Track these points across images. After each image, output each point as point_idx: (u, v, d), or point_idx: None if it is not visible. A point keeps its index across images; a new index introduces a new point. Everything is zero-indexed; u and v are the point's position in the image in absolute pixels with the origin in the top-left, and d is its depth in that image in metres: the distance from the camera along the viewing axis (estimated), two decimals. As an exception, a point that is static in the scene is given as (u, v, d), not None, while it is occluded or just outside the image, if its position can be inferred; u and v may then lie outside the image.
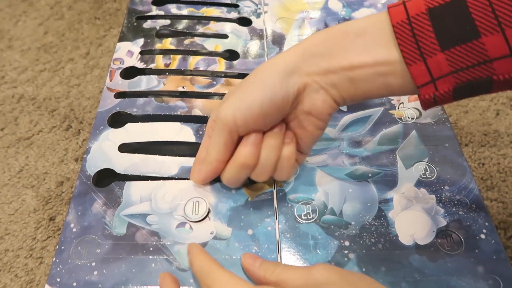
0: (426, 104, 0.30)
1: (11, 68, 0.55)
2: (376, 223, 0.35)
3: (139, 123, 0.43)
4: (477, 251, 0.33)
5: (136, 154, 0.40)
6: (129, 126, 0.43)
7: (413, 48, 0.28)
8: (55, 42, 0.59)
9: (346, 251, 0.34)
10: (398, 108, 0.43)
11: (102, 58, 0.57)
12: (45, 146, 0.47)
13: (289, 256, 0.34)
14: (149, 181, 0.38)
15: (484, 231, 0.34)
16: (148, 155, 0.40)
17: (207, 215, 0.36)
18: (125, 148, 0.41)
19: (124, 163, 0.39)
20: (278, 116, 0.33)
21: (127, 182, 0.38)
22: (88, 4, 0.64)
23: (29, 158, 0.46)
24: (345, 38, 0.31)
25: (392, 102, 0.44)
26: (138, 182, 0.38)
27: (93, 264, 0.33)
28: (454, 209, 0.36)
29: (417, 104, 0.44)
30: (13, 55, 0.57)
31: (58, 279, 0.32)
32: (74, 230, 0.35)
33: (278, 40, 0.52)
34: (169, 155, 0.40)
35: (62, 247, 0.34)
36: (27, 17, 0.63)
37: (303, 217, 0.36)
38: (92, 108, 0.51)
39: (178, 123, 0.43)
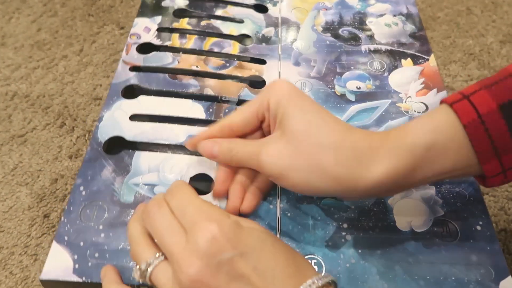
0: (490, 186, 0.30)
1: (4, 65, 0.56)
2: (375, 209, 0.36)
3: (152, 97, 0.44)
4: (471, 241, 0.34)
5: (145, 122, 0.41)
6: (142, 98, 0.44)
7: (489, 148, 0.28)
8: (48, 39, 0.59)
9: (343, 233, 0.35)
10: (406, 102, 0.44)
11: (96, 55, 0.57)
12: (39, 143, 0.48)
13: (288, 233, 0.35)
14: (158, 152, 0.39)
15: (480, 223, 0.35)
16: (157, 123, 0.41)
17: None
18: (136, 119, 0.42)
19: (134, 130, 0.41)
20: None
21: (137, 152, 0.39)
22: (81, 1, 0.65)
23: (23, 156, 0.46)
24: (414, 158, 0.29)
25: (400, 95, 0.45)
26: (147, 152, 0.39)
27: (101, 227, 0.34)
28: (452, 201, 0.37)
29: (424, 98, 0.44)
30: (6, 52, 0.58)
31: (66, 238, 0.34)
32: (83, 193, 0.36)
33: (293, 29, 0.53)
34: (178, 129, 0.41)
35: (71, 208, 0.35)
36: (20, 14, 0.63)
37: (304, 198, 0.37)
38: (86, 105, 0.51)
39: (190, 100, 0.44)
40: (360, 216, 0.36)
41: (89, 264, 0.32)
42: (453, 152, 0.28)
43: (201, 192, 0.37)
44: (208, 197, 0.36)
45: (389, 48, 0.50)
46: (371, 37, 0.51)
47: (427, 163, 0.29)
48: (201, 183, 0.38)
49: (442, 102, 0.30)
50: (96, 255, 0.33)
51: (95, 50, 0.58)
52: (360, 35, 0.52)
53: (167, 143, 0.40)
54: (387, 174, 0.29)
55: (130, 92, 0.45)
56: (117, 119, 0.42)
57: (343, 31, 0.52)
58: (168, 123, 0.42)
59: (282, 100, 0.32)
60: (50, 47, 0.58)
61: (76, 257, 0.33)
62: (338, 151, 0.30)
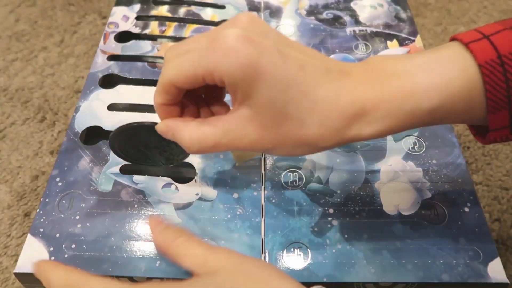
0: (490, 142, 0.27)
1: (-19, 58, 0.54)
2: (361, 193, 0.35)
3: (131, 86, 0.43)
4: (459, 223, 0.33)
5: (124, 112, 0.40)
6: (121, 87, 0.42)
7: (502, 96, 0.24)
8: (27, 30, 0.57)
9: (329, 218, 0.34)
10: (391, 84, 0.43)
11: (77, 46, 0.55)
12: (18, 139, 0.45)
13: (273, 220, 0.34)
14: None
15: (468, 204, 0.34)
16: (137, 113, 0.40)
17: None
18: (114, 108, 0.41)
19: (112, 120, 0.39)
20: None
21: (115, 142, 0.38)
22: (61, -10, 0.62)
23: (1, 152, 0.44)
24: (413, 121, 0.26)
25: (386, 77, 0.44)
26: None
27: (77, 217, 0.33)
28: (440, 183, 0.36)
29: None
30: (-17, 44, 0.55)
31: (41, 230, 0.32)
32: (59, 184, 0.35)
33: (276, 13, 0.51)
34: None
35: (47, 200, 0.34)
36: (-4, 4, 0.61)
37: (289, 184, 0.36)
38: (67, 99, 0.49)
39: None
40: (347, 201, 0.35)
41: (66, 256, 0.31)
42: (459, 112, 0.25)
43: (186, 179, 0.36)
44: (192, 184, 0.35)
45: (374, 30, 0.49)
46: (356, 20, 0.50)
47: (426, 123, 0.26)
48: (185, 169, 0.37)
49: (454, 39, 0.26)
50: (73, 246, 0.32)
51: (76, 40, 0.56)
52: (345, 18, 0.50)
53: None
54: (379, 133, 0.26)
55: (109, 81, 0.44)
56: (95, 109, 0.40)
57: (327, 14, 0.51)
58: (148, 113, 0.40)
59: (240, 75, 0.25)
60: (29, 38, 0.56)
61: (52, 249, 0.32)
62: (324, 124, 0.26)
